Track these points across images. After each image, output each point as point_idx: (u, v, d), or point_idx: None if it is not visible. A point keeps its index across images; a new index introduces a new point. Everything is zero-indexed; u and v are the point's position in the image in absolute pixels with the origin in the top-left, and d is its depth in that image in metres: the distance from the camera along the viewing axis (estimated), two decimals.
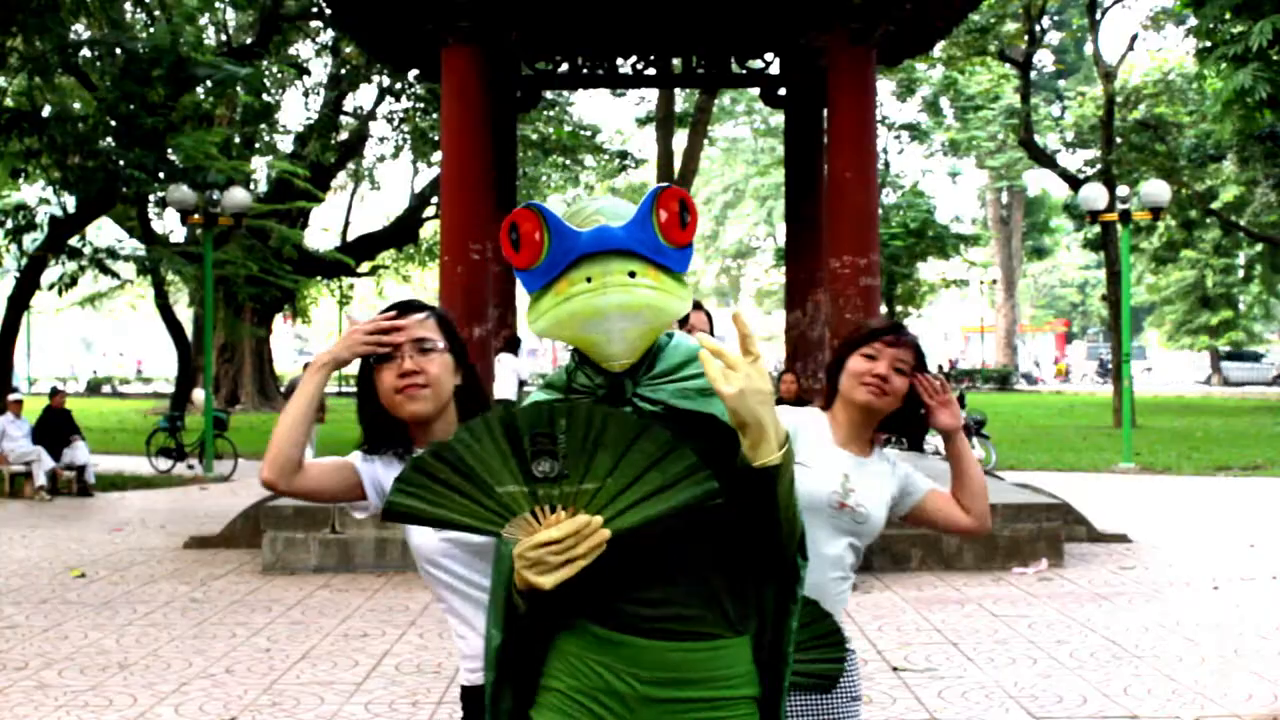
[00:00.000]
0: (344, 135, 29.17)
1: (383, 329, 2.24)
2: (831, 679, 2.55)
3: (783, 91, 12.79)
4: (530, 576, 1.69)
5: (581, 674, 1.87)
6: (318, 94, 28.83)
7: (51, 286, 17.89)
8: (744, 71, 12.72)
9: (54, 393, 15.39)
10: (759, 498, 1.80)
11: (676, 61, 12.71)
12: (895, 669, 5.94)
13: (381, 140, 30.19)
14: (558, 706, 1.88)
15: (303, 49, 26.99)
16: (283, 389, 23.29)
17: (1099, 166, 26.51)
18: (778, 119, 32.13)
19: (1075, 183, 25.70)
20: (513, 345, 14.13)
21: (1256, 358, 48.86)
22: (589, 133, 29.34)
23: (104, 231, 26.83)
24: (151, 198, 19.22)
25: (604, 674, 1.86)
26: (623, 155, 30.91)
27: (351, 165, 31.67)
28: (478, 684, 2.21)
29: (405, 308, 2.29)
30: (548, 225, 1.76)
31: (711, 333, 4.83)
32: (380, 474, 2.31)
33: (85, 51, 16.22)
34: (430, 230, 32.15)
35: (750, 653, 1.92)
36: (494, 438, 1.68)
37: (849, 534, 2.63)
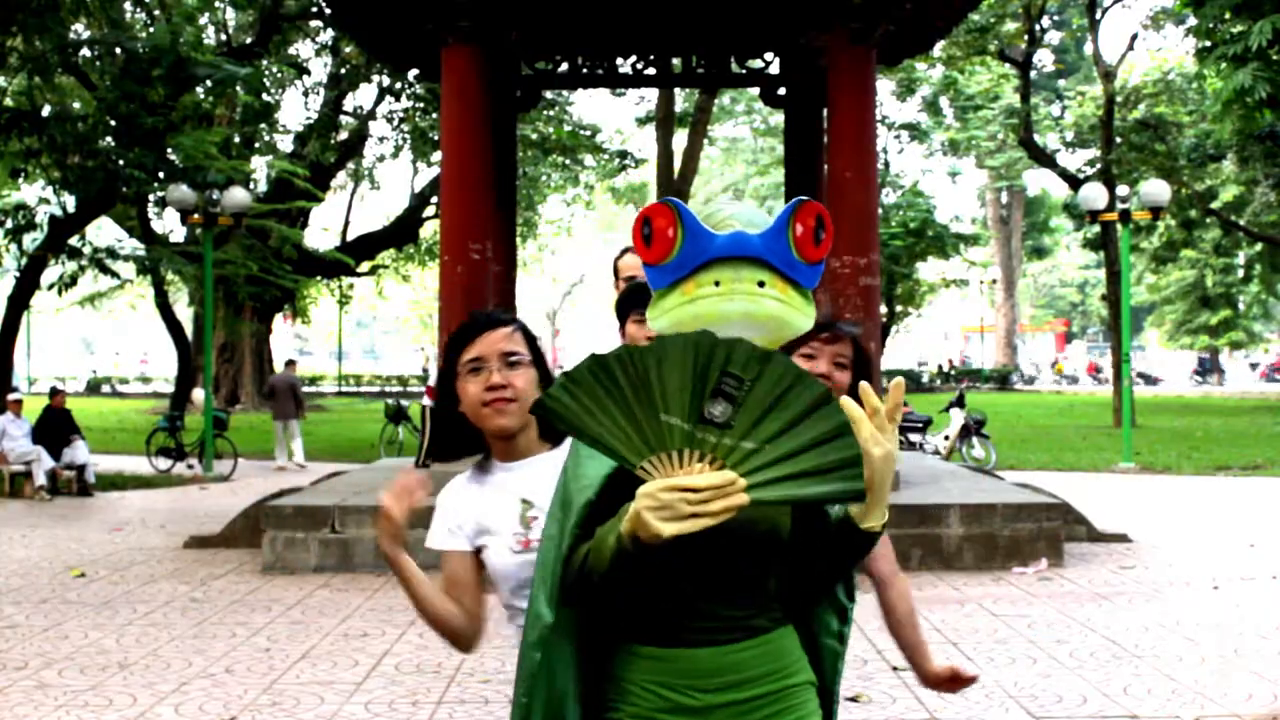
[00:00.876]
0: (344, 135, 29.18)
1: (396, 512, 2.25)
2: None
3: (783, 91, 12.78)
4: (652, 520, 1.61)
5: (640, 699, 1.83)
6: (318, 94, 28.84)
7: (51, 286, 17.89)
8: (744, 71, 12.72)
9: (54, 392, 15.39)
10: (849, 552, 1.81)
11: (676, 61, 12.70)
12: (895, 669, 5.94)
13: (381, 140, 30.21)
14: None
15: (303, 49, 26.99)
16: (264, 389, 23.10)
17: (1099, 166, 26.52)
18: (778, 119, 32.11)
19: (1075, 182, 25.71)
20: None
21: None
22: (589, 133, 29.33)
23: (104, 231, 26.85)
24: (151, 198, 19.22)
25: (664, 693, 1.83)
26: (623, 155, 30.90)
27: (351, 165, 31.68)
28: None
29: (489, 321, 2.25)
30: (683, 223, 1.74)
31: None
32: (460, 524, 2.28)
33: (85, 51, 16.23)
34: (430, 230, 32.16)
35: (798, 638, 1.93)
36: (691, 360, 1.60)
37: None
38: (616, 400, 1.62)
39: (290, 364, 19.80)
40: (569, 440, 1.95)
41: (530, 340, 2.28)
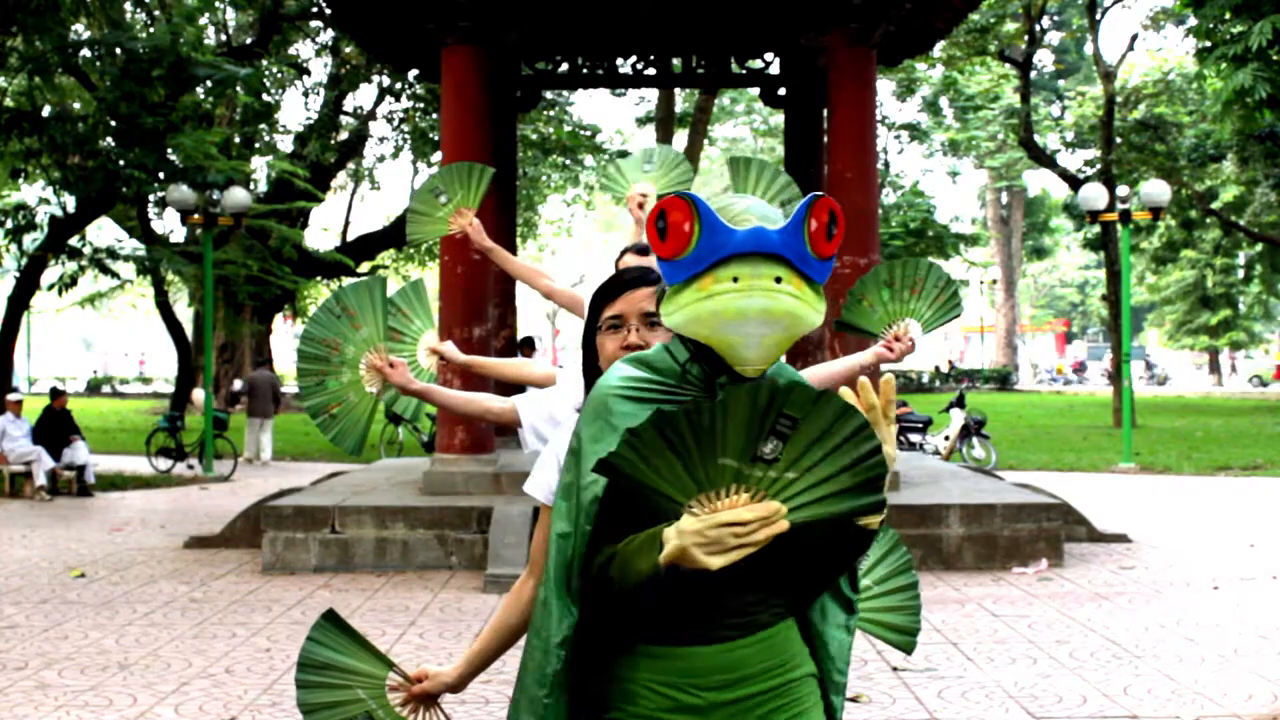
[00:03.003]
0: (344, 135, 29.16)
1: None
2: (910, 634, 2.47)
3: (783, 91, 12.79)
4: (700, 555, 1.62)
5: (644, 699, 1.83)
6: (318, 94, 28.81)
7: (51, 286, 17.89)
8: (744, 71, 12.72)
9: (55, 393, 15.40)
10: (850, 548, 1.82)
11: (676, 61, 12.71)
12: (895, 669, 5.94)
13: (381, 140, 30.18)
14: None
15: (303, 49, 26.97)
16: (237, 390, 22.97)
17: (1099, 166, 26.50)
18: (778, 119, 32.13)
19: (1075, 183, 25.70)
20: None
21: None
22: (589, 133, 29.32)
23: (104, 231, 26.86)
24: (151, 198, 19.24)
25: (666, 692, 1.83)
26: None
27: (351, 165, 31.65)
28: None
29: (635, 280, 2.25)
30: (700, 217, 1.72)
31: None
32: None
33: (85, 51, 16.21)
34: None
35: (797, 632, 1.93)
36: (749, 406, 1.61)
37: None
38: (679, 452, 1.64)
39: (268, 362, 19.90)
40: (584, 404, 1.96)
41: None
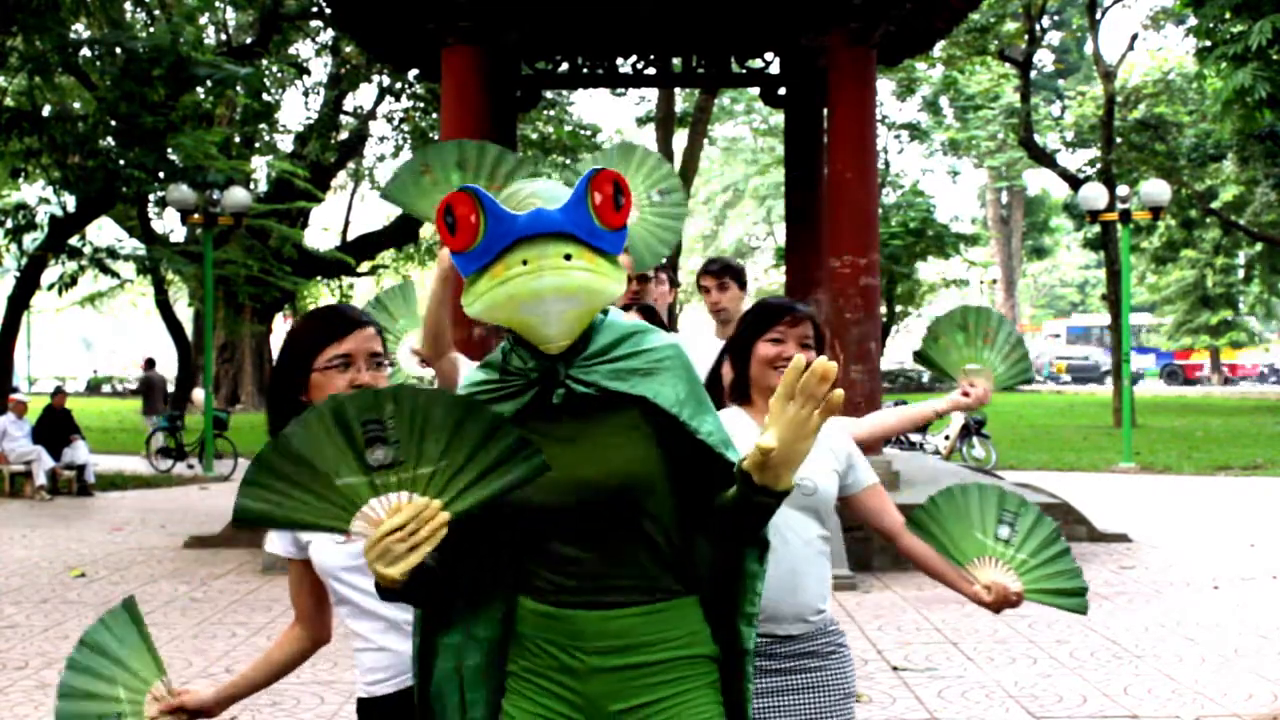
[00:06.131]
0: (344, 135, 29.16)
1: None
2: (1078, 594, 2.56)
3: (783, 91, 12.78)
4: (380, 569, 1.66)
5: (532, 654, 1.89)
6: (318, 94, 28.83)
7: (51, 286, 17.90)
8: (744, 71, 12.71)
9: (56, 392, 15.41)
10: (750, 518, 1.82)
11: (676, 61, 12.70)
12: (895, 668, 5.94)
13: (381, 140, 30.19)
14: (517, 690, 1.90)
15: (303, 49, 26.98)
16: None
17: (1099, 166, 26.50)
18: (778, 119, 32.11)
19: (1075, 182, 25.69)
20: None
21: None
22: (589, 133, 29.32)
23: (104, 231, 26.82)
24: (151, 197, 19.22)
25: (553, 651, 1.87)
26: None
27: (351, 165, 31.66)
28: (377, 695, 2.26)
29: (359, 320, 2.22)
30: (484, 208, 1.75)
31: (674, 303, 4.76)
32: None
33: (85, 51, 16.21)
34: (430, 230, 32.12)
35: (699, 611, 1.92)
36: (325, 427, 1.66)
37: (804, 508, 2.62)
38: (297, 484, 1.68)
39: None
40: None
41: (384, 343, 2.31)
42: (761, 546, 1.92)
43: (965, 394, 3.19)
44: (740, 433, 2.56)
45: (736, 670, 1.94)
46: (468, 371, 2.47)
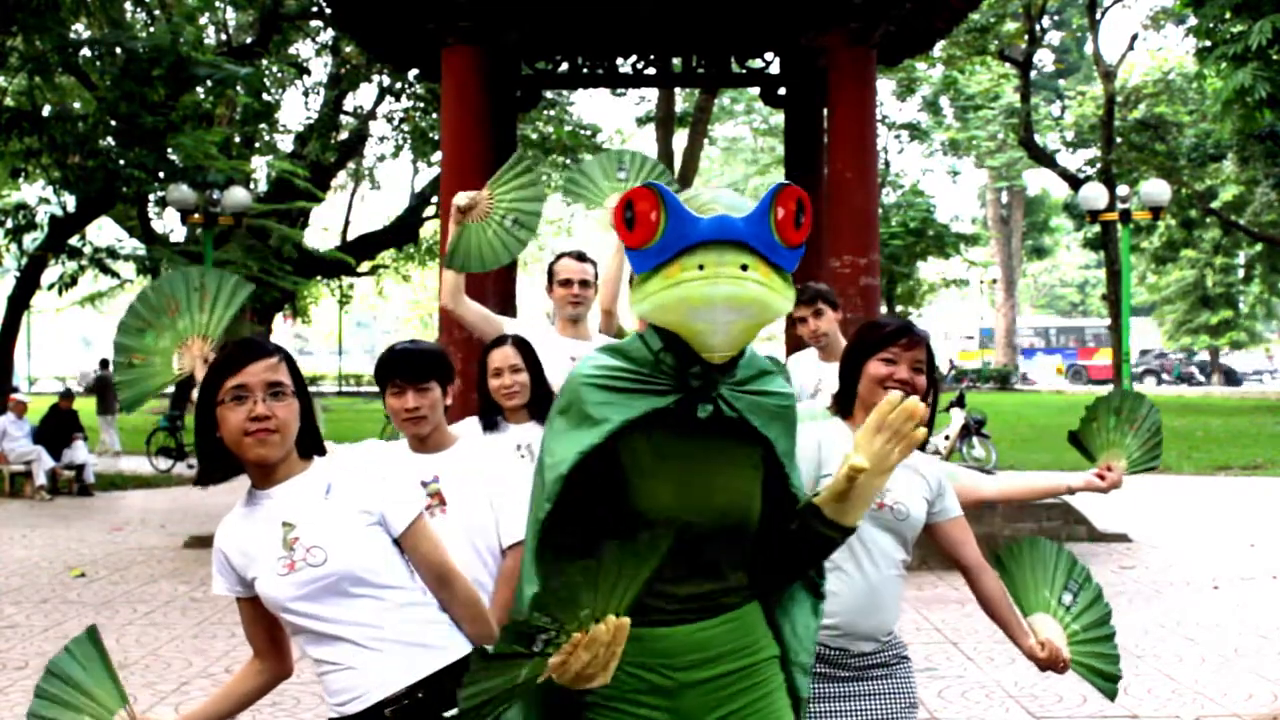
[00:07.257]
0: (344, 135, 29.15)
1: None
2: (1112, 680, 2.75)
3: (783, 91, 12.78)
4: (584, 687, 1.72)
5: (616, 681, 1.83)
6: (318, 94, 28.79)
7: (51, 286, 17.90)
8: (744, 71, 12.71)
9: (65, 394, 15.45)
10: (816, 548, 1.89)
11: (676, 61, 12.70)
12: None
13: (381, 140, 30.17)
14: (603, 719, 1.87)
15: (303, 49, 26.96)
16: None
17: (1099, 166, 26.53)
18: (778, 119, 32.09)
19: (1075, 182, 25.71)
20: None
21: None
22: (589, 133, 29.31)
23: (104, 231, 26.81)
24: (151, 197, 19.24)
25: (641, 674, 1.85)
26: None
27: (351, 165, 31.64)
28: (348, 715, 2.22)
29: (255, 351, 2.22)
30: (666, 206, 1.73)
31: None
32: (224, 564, 2.43)
33: (85, 51, 16.20)
34: (430, 230, 32.14)
35: (762, 615, 1.96)
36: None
37: (892, 531, 2.66)
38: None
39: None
40: (341, 452, 2.19)
41: (294, 370, 2.25)
42: (819, 597, 1.99)
43: (1100, 475, 3.34)
44: (838, 443, 2.59)
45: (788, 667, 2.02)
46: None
